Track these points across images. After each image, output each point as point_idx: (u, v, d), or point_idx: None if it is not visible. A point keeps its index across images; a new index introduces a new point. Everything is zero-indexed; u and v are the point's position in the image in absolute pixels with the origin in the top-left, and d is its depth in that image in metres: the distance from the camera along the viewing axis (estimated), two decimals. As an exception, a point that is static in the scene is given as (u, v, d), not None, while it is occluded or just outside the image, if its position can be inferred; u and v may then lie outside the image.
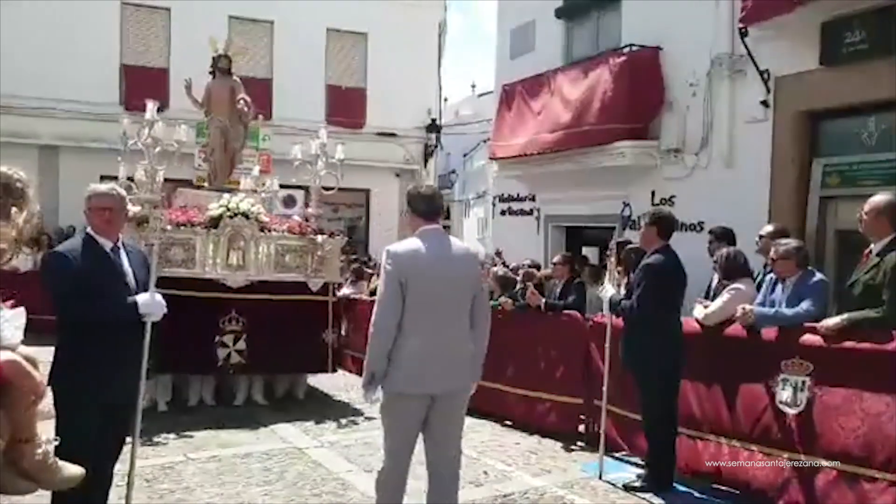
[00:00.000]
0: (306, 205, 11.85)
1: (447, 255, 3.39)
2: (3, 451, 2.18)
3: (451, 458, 3.50)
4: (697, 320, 4.92)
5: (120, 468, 3.57)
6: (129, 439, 3.54)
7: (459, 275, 3.39)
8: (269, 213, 7.52)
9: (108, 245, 3.41)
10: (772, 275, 4.95)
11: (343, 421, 6.56)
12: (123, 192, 3.58)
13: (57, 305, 3.24)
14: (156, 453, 5.36)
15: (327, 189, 7.72)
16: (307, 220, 7.67)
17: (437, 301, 3.30)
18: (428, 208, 3.46)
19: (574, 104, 8.71)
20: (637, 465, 5.19)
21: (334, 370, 7.70)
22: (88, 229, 3.45)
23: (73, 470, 2.49)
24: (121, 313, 3.31)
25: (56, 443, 2.44)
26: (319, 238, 7.29)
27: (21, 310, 2.45)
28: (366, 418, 6.73)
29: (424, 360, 3.28)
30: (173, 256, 6.68)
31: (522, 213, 10.83)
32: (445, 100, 19.75)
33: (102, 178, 11.39)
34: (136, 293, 3.39)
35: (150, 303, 3.36)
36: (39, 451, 2.32)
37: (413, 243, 3.38)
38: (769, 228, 5.46)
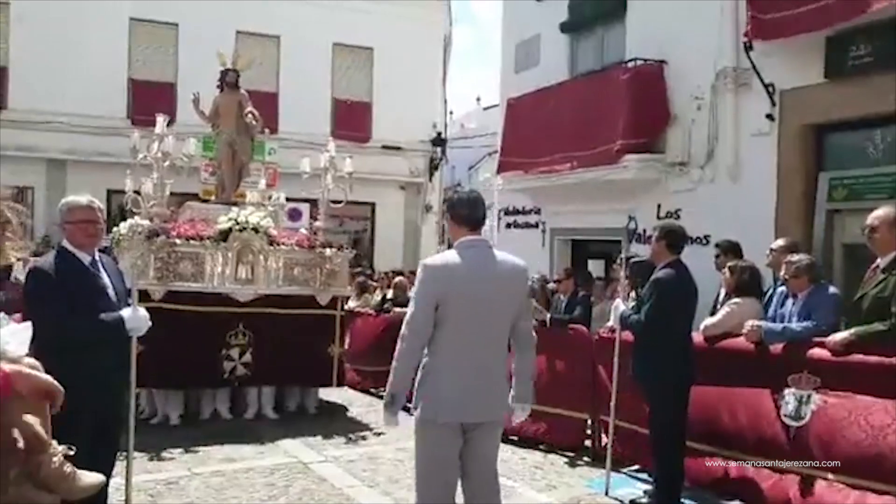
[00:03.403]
0: (312, 218, 11.89)
1: (490, 270, 3.08)
2: (19, 465, 2.16)
3: (493, 494, 3.23)
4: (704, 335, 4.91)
5: (120, 482, 3.56)
6: (125, 452, 3.52)
7: (502, 293, 3.07)
8: (277, 227, 7.51)
9: (86, 259, 3.34)
10: (782, 288, 4.94)
11: (350, 436, 6.52)
12: (101, 204, 3.51)
13: (43, 325, 3.15)
14: (160, 468, 5.34)
15: (336, 203, 7.68)
16: (315, 234, 7.65)
17: (476, 322, 3.02)
18: (471, 215, 3.17)
19: (579, 118, 8.72)
20: (644, 480, 5.14)
21: (339, 384, 7.64)
22: (64, 243, 3.36)
23: (92, 478, 2.47)
24: (110, 331, 3.28)
25: (72, 452, 2.42)
26: (328, 251, 7.27)
27: (27, 324, 2.45)
28: (374, 433, 6.71)
29: (460, 385, 3.03)
30: (182, 270, 6.65)
31: (528, 226, 10.82)
32: (451, 113, 19.84)
33: (110, 192, 11.62)
34: (118, 306, 3.37)
35: (135, 317, 3.35)
36: (56, 460, 2.31)
37: (451, 256, 3.10)
38: (780, 243, 5.44)
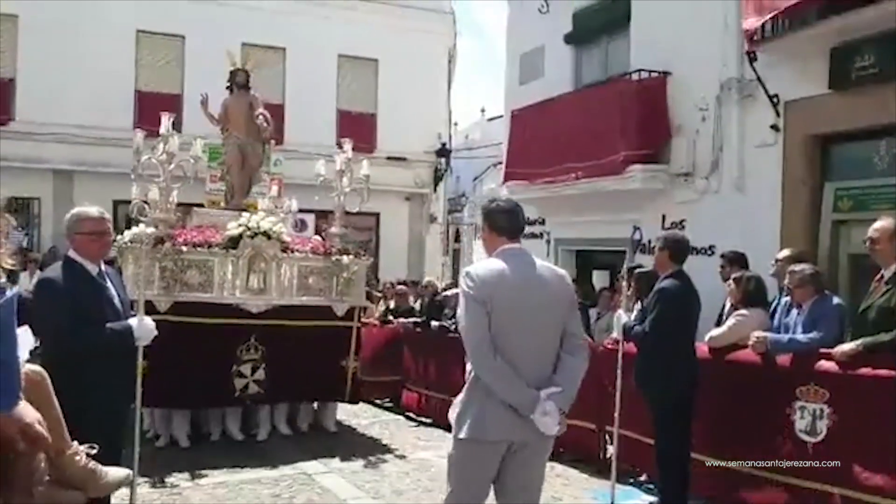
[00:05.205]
0: (317, 228, 11.87)
1: (534, 278, 2.91)
2: (46, 468, 2.18)
3: None
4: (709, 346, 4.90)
5: (124, 492, 3.55)
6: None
7: (549, 301, 2.89)
8: (290, 234, 7.12)
9: (93, 270, 3.35)
10: (787, 298, 4.93)
11: (354, 447, 6.48)
12: (109, 215, 3.52)
13: (52, 335, 3.17)
14: (163, 478, 5.32)
15: (349, 213, 7.26)
16: (325, 240, 7.22)
17: (524, 331, 2.82)
18: (510, 225, 3.01)
19: (583, 129, 8.73)
20: (649, 490, 5.11)
21: (354, 401, 7.22)
22: (71, 253, 3.35)
23: (118, 473, 2.49)
24: (118, 339, 3.29)
25: (94, 451, 2.42)
26: (345, 259, 6.85)
27: (25, 328, 2.46)
28: (379, 445, 6.67)
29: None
30: (189, 280, 6.24)
31: (532, 236, 10.81)
32: (455, 124, 19.86)
33: (116, 203, 11.65)
34: (124, 317, 3.39)
35: (142, 327, 3.36)
36: (78, 458, 2.32)
37: (495, 264, 2.90)
38: (786, 253, 5.43)
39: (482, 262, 3.02)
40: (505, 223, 3.01)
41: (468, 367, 2.89)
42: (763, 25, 6.47)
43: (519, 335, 2.81)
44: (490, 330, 2.78)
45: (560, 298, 2.96)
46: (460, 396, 2.94)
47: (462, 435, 2.84)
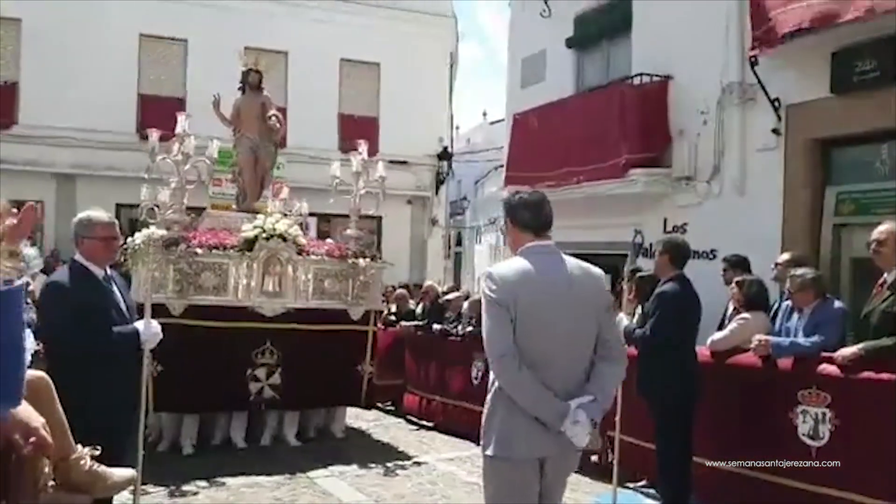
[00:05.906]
0: (319, 232, 11.87)
1: (563, 278, 2.63)
2: (51, 473, 2.19)
3: None
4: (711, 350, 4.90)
5: (127, 496, 3.56)
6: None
7: (580, 303, 2.62)
8: (306, 236, 7.07)
9: (100, 274, 3.37)
10: (788, 302, 4.93)
11: (357, 451, 6.48)
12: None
13: (59, 338, 3.19)
14: (165, 482, 5.32)
15: (364, 216, 7.21)
16: (347, 243, 7.16)
17: (551, 337, 2.56)
18: (535, 219, 2.72)
19: (585, 133, 8.74)
20: (651, 495, 5.10)
21: (369, 406, 7.16)
22: (77, 257, 3.35)
23: (123, 473, 2.51)
24: (124, 343, 3.30)
25: (98, 452, 2.44)
26: (361, 262, 6.77)
27: (28, 331, 2.47)
28: (381, 448, 6.65)
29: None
30: (204, 282, 6.14)
31: (534, 239, 10.82)
32: (457, 128, 19.90)
33: (119, 207, 11.69)
34: (130, 321, 3.40)
35: (148, 331, 3.36)
36: (83, 462, 2.34)
37: (520, 264, 2.63)
38: (786, 256, 5.44)
39: (505, 262, 2.77)
40: (529, 218, 2.73)
41: (490, 375, 2.70)
42: (768, 32, 6.47)
43: (546, 341, 2.56)
44: (514, 336, 2.54)
45: (593, 300, 2.68)
46: (485, 407, 2.71)
47: (488, 452, 2.64)
